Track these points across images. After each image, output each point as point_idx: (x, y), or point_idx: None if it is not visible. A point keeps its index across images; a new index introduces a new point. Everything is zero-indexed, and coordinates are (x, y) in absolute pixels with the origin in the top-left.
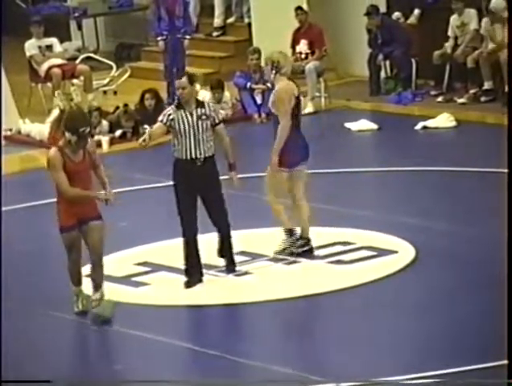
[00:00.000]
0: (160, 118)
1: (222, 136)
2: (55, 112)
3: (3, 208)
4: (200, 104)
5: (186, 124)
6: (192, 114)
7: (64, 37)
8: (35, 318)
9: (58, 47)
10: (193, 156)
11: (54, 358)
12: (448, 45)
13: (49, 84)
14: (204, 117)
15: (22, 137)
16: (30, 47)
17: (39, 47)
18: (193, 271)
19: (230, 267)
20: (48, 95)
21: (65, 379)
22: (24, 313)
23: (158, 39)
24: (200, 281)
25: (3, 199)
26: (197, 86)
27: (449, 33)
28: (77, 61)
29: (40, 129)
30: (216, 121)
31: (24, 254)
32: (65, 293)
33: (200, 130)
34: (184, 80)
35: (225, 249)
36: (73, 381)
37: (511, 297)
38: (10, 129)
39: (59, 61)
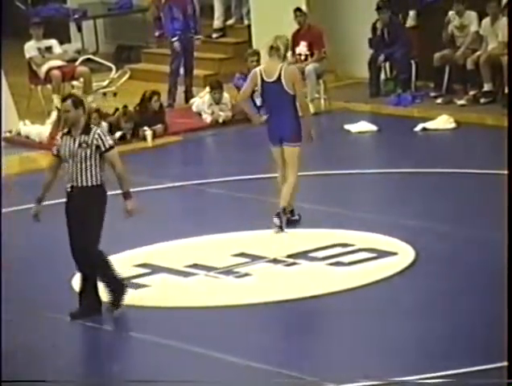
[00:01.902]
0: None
1: (113, 164)
2: (55, 114)
3: (3, 210)
4: (86, 130)
5: (68, 150)
6: (75, 140)
7: (64, 39)
8: (32, 320)
9: (57, 48)
10: (69, 185)
11: (57, 360)
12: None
13: (49, 86)
14: (84, 144)
15: (21, 139)
16: (30, 48)
17: (39, 49)
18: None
19: (87, 310)
20: (48, 97)
21: (63, 380)
22: (25, 315)
23: (173, 39)
24: (98, 311)
25: (3, 201)
26: (88, 104)
27: (444, 34)
28: (77, 63)
29: (40, 131)
30: (103, 149)
31: (25, 256)
32: (69, 294)
33: (79, 158)
34: (69, 102)
35: (87, 292)
36: (71, 381)
37: (511, 297)
38: (10, 131)
39: (58, 63)
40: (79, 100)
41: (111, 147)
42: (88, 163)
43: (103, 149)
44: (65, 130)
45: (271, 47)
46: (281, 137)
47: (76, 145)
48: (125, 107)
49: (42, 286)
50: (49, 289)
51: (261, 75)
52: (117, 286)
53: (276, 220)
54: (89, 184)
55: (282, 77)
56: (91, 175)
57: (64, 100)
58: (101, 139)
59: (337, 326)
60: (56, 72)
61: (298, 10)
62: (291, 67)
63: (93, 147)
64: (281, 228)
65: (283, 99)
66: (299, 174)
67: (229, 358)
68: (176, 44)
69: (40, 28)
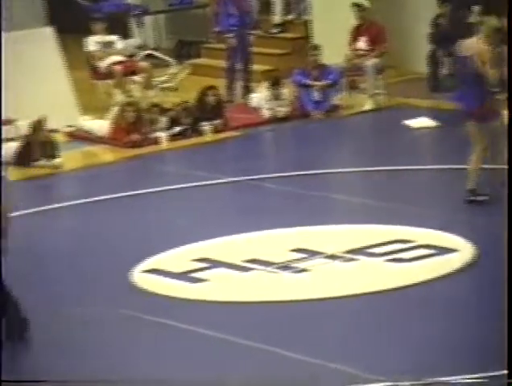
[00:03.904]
0: None
1: None
2: (115, 109)
3: (64, 203)
4: None
5: None
6: None
7: (125, 34)
8: (88, 315)
9: (119, 44)
10: None
11: (115, 355)
12: None
13: (109, 81)
14: None
15: (82, 134)
16: (91, 44)
17: (100, 44)
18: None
19: None
20: (109, 92)
21: (62, 380)
22: (84, 309)
23: (229, 35)
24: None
25: (65, 194)
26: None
27: None
28: (138, 58)
29: (101, 126)
30: None
31: (85, 249)
32: (122, 289)
33: None
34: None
35: None
36: (70, 380)
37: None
38: (72, 126)
39: (119, 58)
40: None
41: None
42: None
43: None
44: None
45: None
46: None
47: None
48: (184, 102)
49: (101, 281)
50: (108, 285)
51: None
52: None
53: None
54: None
55: None
56: None
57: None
58: None
59: (395, 323)
60: (118, 68)
61: (358, 4)
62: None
63: None
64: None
65: None
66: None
67: (286, 353)
68: (232, 40)
69: (102, 24)
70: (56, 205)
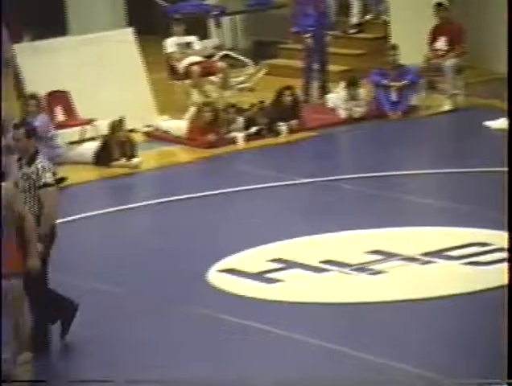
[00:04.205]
0: None
1: (43, 202)
2: (193, 109)
3: (142, 203)
4: (31, 161)
5: (20, 180)
6: (21, 170)
7: (203, 35)
8: (168, 315)
9: (197, 44)
10: None
11: (190, 353)
12: None
13: (187, 81)
14: (25, 176)
15: (160, 134)
16: (170, 45)
17: (179, 45)
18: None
19: None
20: (187, 92)
21: (64, 380)
22: (158, 310)
23: (306, 36)
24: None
25: (143, 194)
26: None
27: None
28: (215, 58)
29: (179, 126)
30: (39, 184)
31: (162, 248)
32: (198, 288)
33: (22, 190)
34: (21, 131)
35: None
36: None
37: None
38: (150, 126)
39: (197, 59)
40: (34, 129)
41: (48, 184)
42: (30, 195)
43: (39, 184)
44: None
45: None
46: None
47: (21, 175)
48: (261, 102)
49: (177, 281)
50: (184, 284)
51: None
52: None
53: None
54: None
55: None
56: (35, 210)
57: (16, 127)
58: (41, 174)
59: (472, 326)
60: (196, 68)
61: (439, 4)
62: None
63: (31, 181)
64: None
65: None
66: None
67: (362, 355)
68: (309, 40)
69: (181, 25)
70: (134, 204)
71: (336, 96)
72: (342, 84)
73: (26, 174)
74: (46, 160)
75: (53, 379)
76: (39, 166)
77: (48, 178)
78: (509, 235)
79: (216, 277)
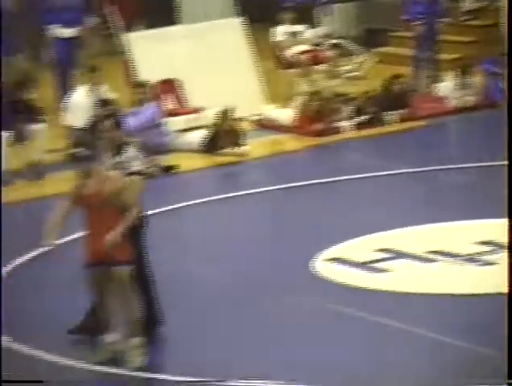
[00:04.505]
0: None
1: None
2: (301, 98)
3: (249, 191)
4: (119, 150)
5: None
6: (111, 160)
7: (312, 23)
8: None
9: (305, 33)
10: None
11: (296, 344)
12: None
13: (295, 70)
14: (114, 165)
15: (268, 123)
16: (279, 33)
17: (287, 34)
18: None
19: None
20: (294, 81)
21: (64, 380)
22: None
23: (417, 23)
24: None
25: (250, 182)
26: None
27: None
28: (323, 47)
29: (286, 115)
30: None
31: (268, 236)
32: (303, 277)
33: None
34: (109, 122)
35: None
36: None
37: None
38: (258, 114)
39: (306, 47)
40: (119, 120)
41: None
42: None
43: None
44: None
45: None
46: None
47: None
48: (369, 91)
49: (283, 269)
50: (290, 273)
51: None
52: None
53: None
54: None
55: None
56: None
57: (104, 118)
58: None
59: None
60: (304, 57)
61: None
62: None
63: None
64: None
65: None
66: None
67: (473, 347)
68: (420, 28)
69: (290, 13)
70: (241, 192)
71: (447, 85)
72: (453, 73)
73: (116, 164)
74: (136, 150)
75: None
76: (129, 154)
77: (136, 166)
78: (509, 235)
79: (322, 265)
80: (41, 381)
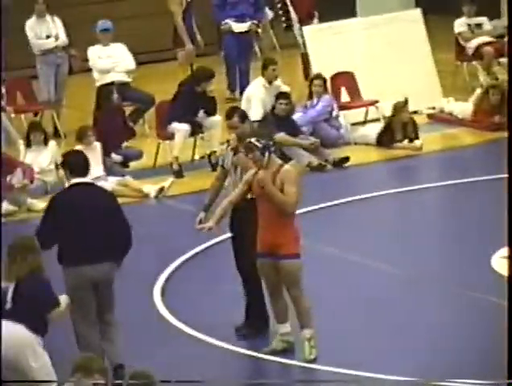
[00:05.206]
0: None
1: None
2: (479, 91)
3: (424, 185)
4: None
5: (230, 163)
6: (235, 154)
7: (495, 15)
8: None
9: (487, 25)
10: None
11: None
12: None
13: (474, 63)
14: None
15: (443, 116)
16: (460, 25)
17: (469, 25)
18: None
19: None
20: (473, 73)
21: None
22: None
23: None
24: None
25: (425, 176)
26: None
27: None
28: (506, 39)
29: (463, 108)
30: None
31: (446, 232)
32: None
33: (239, 171)
34: (235, 119)
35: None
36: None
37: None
38: (434, 108)
39: (488, 39)
40: (245, 112)
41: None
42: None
43: None
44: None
45: None
46: None
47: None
48: None
49: (462, 264)
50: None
51: None
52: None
53: None
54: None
55: None
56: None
57: (228, 116)
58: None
59: None
60: (488, 48)
61: None
62: None
63: None
64: None
65: None
66: None
67: None
68: None
69: (472, 5)
70: (417, 186)
71: None
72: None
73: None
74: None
75: None
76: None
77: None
78: (509, 236)
79: (499, 262)
80: (37, 382)
